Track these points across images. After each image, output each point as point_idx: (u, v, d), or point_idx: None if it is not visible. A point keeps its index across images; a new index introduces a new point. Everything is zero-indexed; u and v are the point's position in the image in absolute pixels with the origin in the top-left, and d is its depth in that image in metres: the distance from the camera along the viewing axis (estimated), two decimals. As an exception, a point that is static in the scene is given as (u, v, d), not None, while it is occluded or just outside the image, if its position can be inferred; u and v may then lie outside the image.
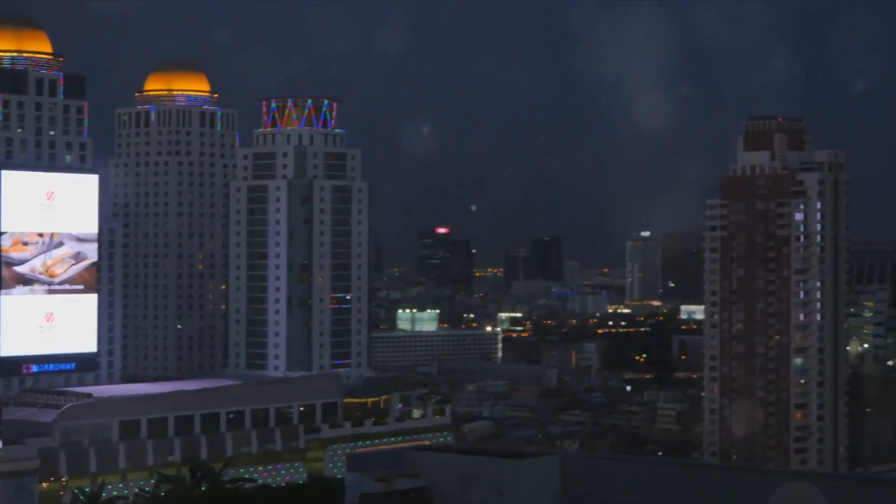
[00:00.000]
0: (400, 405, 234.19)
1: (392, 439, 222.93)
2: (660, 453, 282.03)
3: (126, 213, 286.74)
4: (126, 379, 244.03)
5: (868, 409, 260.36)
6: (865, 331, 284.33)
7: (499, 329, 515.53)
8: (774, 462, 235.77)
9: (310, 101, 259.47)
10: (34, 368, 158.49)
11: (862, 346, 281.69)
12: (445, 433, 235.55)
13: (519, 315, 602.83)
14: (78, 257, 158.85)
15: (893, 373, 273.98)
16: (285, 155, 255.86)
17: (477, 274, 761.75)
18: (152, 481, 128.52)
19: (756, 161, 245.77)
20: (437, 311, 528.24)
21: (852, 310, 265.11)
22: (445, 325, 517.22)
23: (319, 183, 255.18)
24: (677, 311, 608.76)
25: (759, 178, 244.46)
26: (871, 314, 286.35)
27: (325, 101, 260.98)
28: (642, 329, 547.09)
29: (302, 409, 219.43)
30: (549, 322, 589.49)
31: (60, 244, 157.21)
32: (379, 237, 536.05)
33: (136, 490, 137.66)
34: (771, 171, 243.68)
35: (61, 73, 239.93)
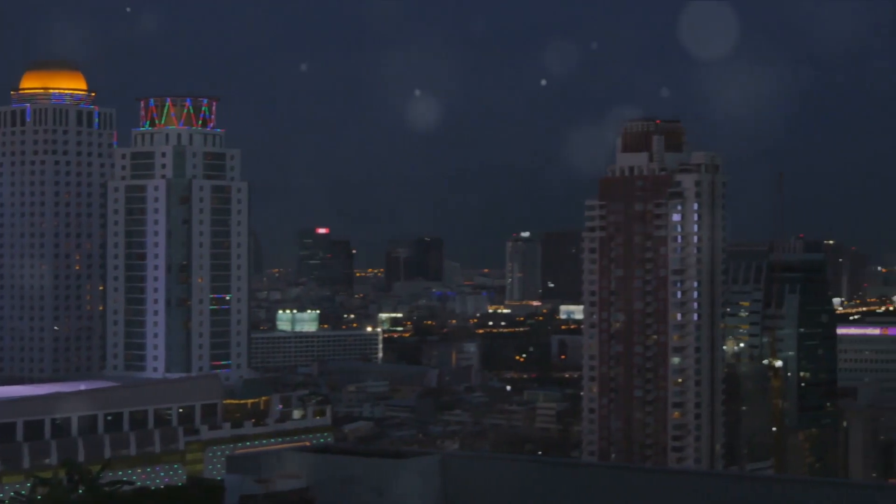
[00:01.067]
0: (280, 406, 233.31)
1: (272, 440, 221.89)
2: (539, 452, 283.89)
3: (0, 212, 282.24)
4: (1, 381, 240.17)
5: (743, 408, 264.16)
6: (741, 330, 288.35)
7: (379, 329, 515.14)
8: (652, 460, 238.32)
9: (189, 100, 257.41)
10: None
11: (737, 345, 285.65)
12: (326, 434, 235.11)
13: (399, 315, 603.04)
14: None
15: (768, 371, 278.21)
16: (164, 154, 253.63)
17: (357, 274, 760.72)
18: (28, 485, 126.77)
19: (634, 162, 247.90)
20: (318, 311, 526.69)
21: (728, 309, 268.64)
22: (326, 326, 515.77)
23: (199, 183, 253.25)
24: (557, 311, 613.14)
25: (637, 180, 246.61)
26: (747, 314, 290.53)
27: (205, 101, 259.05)
28: (522, 329, 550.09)
29: (181, 410, 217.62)
30: (430, 322, 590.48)
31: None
32: (259, 237, 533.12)
33: (12, 494, 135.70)
34: (649, 172, 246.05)
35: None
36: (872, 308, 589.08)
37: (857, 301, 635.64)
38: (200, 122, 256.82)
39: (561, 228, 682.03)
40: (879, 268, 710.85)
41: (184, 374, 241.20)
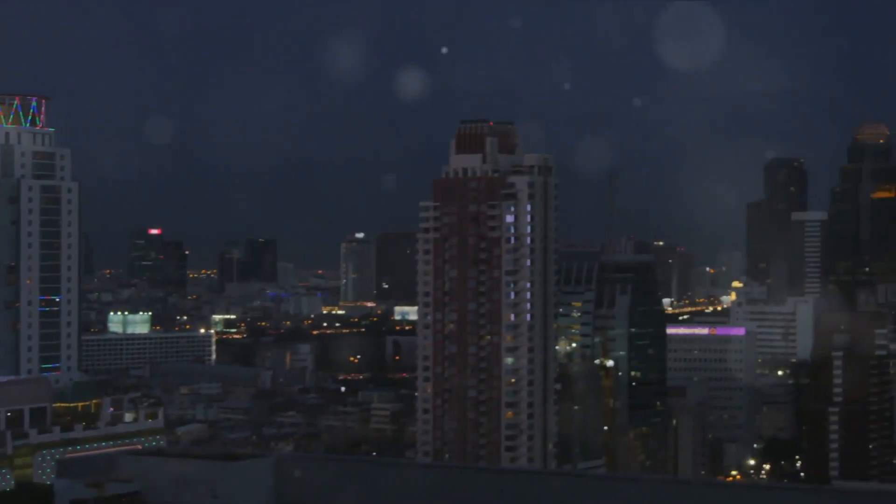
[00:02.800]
0: (111, 409, 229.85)
1: (104, 444, 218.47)
2: (374, 453, 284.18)
3: None
4: None
5: (576, 407, 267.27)
6: (573, 330, 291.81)
7: (212, 331, 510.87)
8: (486, 460, 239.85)
9: (17, 99, 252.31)
10: None
11: (570, 345, 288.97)
12: (158, 436, 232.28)
13: (233, 317, 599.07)
14: None
15: (600, 371, 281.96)
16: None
17: (190, 275, 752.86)
18: None
19: (468, 164, 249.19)
20: (150, 313, 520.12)
21: (561, 310, 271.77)
22: (158, 328, 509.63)
23: (27, 183, 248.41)
24: (391, 311, 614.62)
25: (471, 181, 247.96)
26: (579, 314, 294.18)
27: (34, 99, 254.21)
28: (357, 330, 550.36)
29: (9, 414, 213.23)
30: (264, 324, 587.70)
31: None
32: (90, 238, 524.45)
33: None
34: (482, 173, 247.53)
35: None
36: (701, 308, 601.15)
37: (687, 301, 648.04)
38: (30, 120, 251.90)
39: (396, 229, 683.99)
40: (707, 268, 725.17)
41: (12, 377, 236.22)
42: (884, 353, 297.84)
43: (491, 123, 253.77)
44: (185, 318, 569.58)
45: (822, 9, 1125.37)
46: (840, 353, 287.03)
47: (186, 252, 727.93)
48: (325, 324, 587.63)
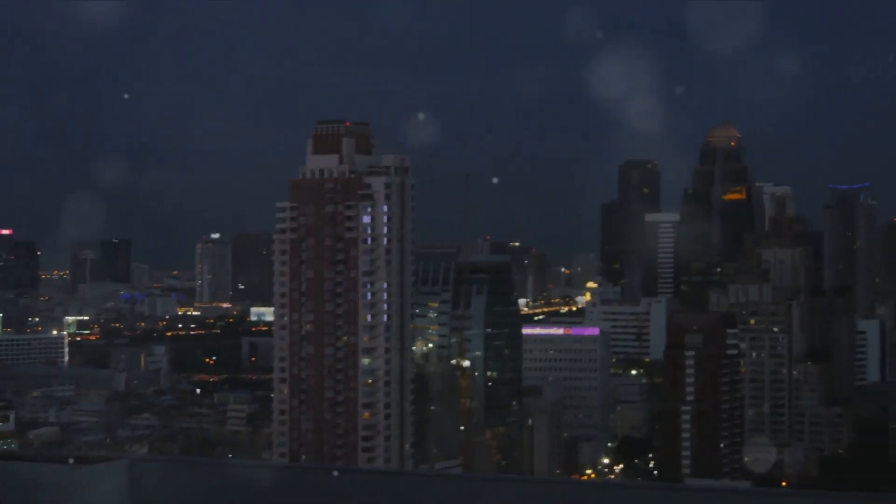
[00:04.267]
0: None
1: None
2: (230, 455, 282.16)
3: None
4: None
5: (433, 407, 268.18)
6: (430, 331, 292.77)
7: (65, 333, 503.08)
8: (342, 461, 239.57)
9: None
10: None
11: (427, 345, 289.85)
12: (9, 440, 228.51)
13: (86, 318, 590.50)
14: None
15: (456, 371, 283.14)
16: None
17: (42, 276, 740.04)
18: None
19: (325, 164, 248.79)
20: (0, 315, 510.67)
21: (418, 310, 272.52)
22: (9, 329, 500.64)
23: None
24: (248, 312, 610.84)
25: (328, 182, 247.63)
26: (436, 314, 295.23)
27: None
28: (213, 331, 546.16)
29: None
30: (118, 325, 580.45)
31: None
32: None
33: None
34: (339, 174, 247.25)
35: None
36: (556, 308, 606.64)
37: (542, 302, 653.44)
38: None
39: (252, 230, 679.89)
40: (563, 269, 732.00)
41: None
42: (735, 352, 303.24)
43: (348, 124, 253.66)
44: (36, 319, 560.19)
45: (677, 9, 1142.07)
46: (692, 353, 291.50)
47: (38, 253, 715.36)
48: (180, 325, 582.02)
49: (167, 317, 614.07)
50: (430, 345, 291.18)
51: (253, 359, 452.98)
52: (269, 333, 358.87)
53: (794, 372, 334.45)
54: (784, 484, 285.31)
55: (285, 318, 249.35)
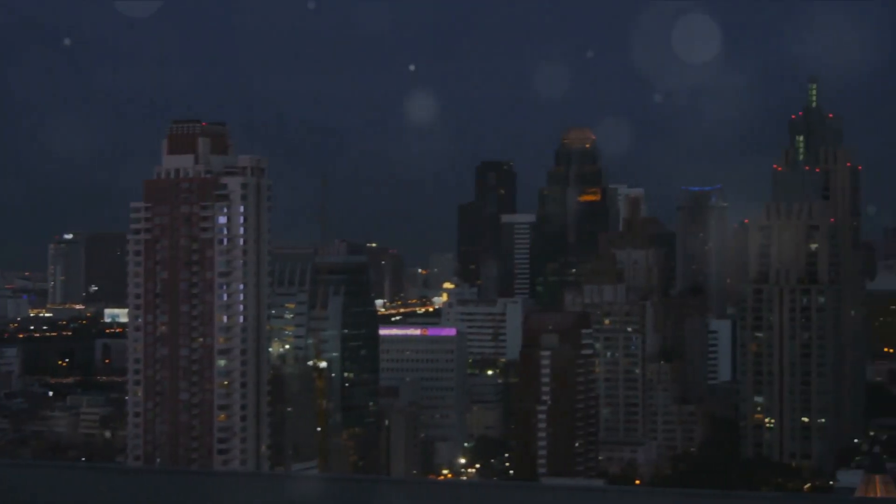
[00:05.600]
0: None
1: None
2: (83, 458, 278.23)
3: None
4: None
5: (289, 409, 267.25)
6: (287, 332, 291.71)
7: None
8: (198, 463, 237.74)
9: None
10: None
11: (283, 346, 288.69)
12: None
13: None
14: None
15: (313, 372, 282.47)
16: None
17: None
18: None
19: (180, 164, 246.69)
20: None
21: (274, 311, 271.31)
22: None
23: None
24: (101, 314, 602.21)
25: (183, 182, 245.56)
26: (292, 315, 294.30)
27: None
28: (65, 333, 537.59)
29: None
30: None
31: None
32: None
33: None
34: (195, 174, 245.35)
35: None
36: (413, 309, 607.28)
37: (399, 302, 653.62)
38: None
39: (106, 230, 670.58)
40: (420, 270, 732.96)
41: None
42: (590, 352, 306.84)
43: (203, 124, 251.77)
44: None
45: (543, 12, 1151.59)
46: (547, 353, 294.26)
47: None
48: (32, 327, 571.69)
49: (18, 318, 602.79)
50: (287, 346, 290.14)
51: (107, 361, 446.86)
52: (123, 335, 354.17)
53: (648, 371, 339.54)
54: (637, 482, 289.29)
55: (139, 320, 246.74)
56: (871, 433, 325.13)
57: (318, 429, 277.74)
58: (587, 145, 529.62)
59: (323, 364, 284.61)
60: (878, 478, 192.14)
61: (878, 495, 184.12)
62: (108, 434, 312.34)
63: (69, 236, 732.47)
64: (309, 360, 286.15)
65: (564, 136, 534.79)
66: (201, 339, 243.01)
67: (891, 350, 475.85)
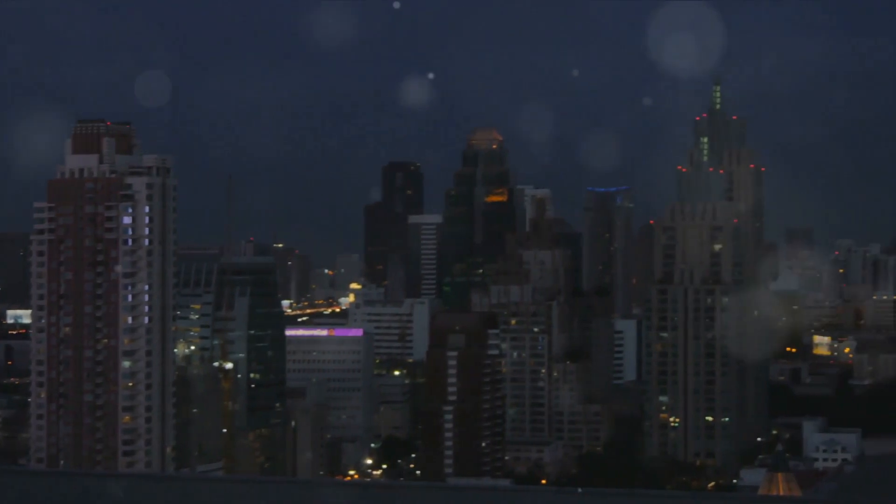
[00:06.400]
0: None
1: None
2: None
3: None
4: None
5: (195, 410, 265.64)
6: (193, 333, 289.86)
7: None
8: (103, 465, 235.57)
9: None
10: None
11: (189, 347, 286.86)
12: None
13: None
14: None
15: (219, 373, 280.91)
16: None
17: None
18: None
19: (84, 164, 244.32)
20: None
21: (179, 312, 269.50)
22: None
23: None
24: (3, 315, 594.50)
25: (88, 182, 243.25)
26: (198, 316, 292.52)
27: None
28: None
29: None
30: None
31: None
32: None
33: None
34: (99, 174, 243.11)
35: None
36: (320, 310, 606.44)
37: (306, 303, 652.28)
38: None
39: (7, 230, 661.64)
40: (326, 270, 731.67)
41: None
42: (496, 352, 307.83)
43: (108, 123, 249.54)
44: None
45: (453, 12, 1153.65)
46: (454, 354, 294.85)
47: None
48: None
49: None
50: (193, 347, 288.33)
51: (9, 362, 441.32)
52: (26, 336, 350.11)
53: (554, 371, 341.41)
54: (544, 482, 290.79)
55: (43, 321, 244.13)
56: (774, 432, 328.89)
57: (224, 430, 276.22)
58: (494, 146, 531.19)
59: (229, 365, 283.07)
60: (780, 476, 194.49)
61: (781, 493, 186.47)
62: (9, 436, 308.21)
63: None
64: (215, 362, 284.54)
65: (471, 136, 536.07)
66: (106, 341, 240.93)
67: (793, 350, 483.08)
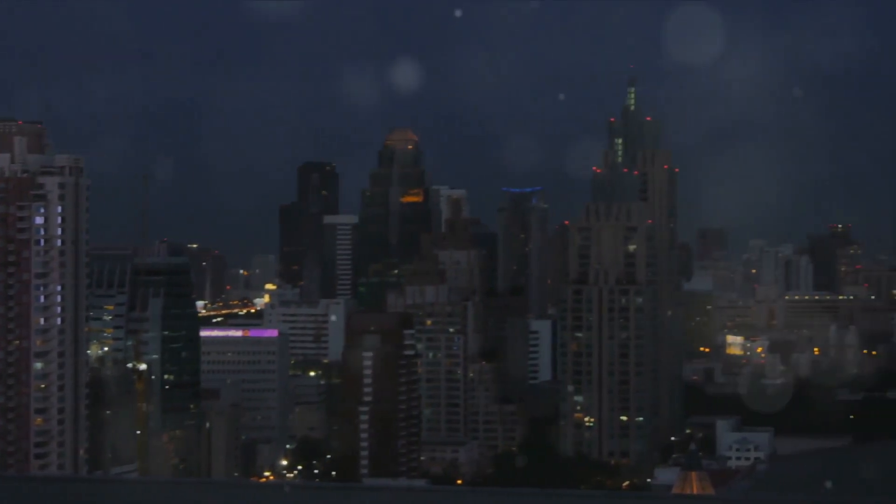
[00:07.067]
0: None
1: None
2: None
3: None
4: None
5: (108, 412, 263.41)
6: (106, 334, 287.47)
7: None
8: (15, 468, 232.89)
9: None
10: None
11: (102, 348, 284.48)
12: None
13: None
14: None
15: (133, 374, 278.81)
16: None
17: None
18: None
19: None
20: None
21: (92, 313, 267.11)
22: None
23: None
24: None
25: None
26: (112, 317, 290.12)
27: None
28: None
29: None
30: None
31: None
32: None
33: None
34: (11, 173, 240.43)
35: None
36: (235, 311, 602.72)
37: (221, 304, 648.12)
38: None
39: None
40: (241, 271, 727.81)
41: None
42: (412, 352, 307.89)
43: (20, 122, 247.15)
44: None
45: (367, 15, 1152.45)
46: (370, 354, 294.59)
47: None
48: None
49: None
50: (106, 348, 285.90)
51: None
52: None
53: (469, 371, 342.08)
54: (459, 482, 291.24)
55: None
56: (688, 431, 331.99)
57: (138, 431, 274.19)
58: (410, 146, 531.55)
59: (143, 366, 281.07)
60: (694, 475, 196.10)
61: (695, 492, 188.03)
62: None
63: None
64: (128, 363, 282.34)
65: (388, 137, 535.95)
66: (17, 342, 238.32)
67: (706, 349, 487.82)
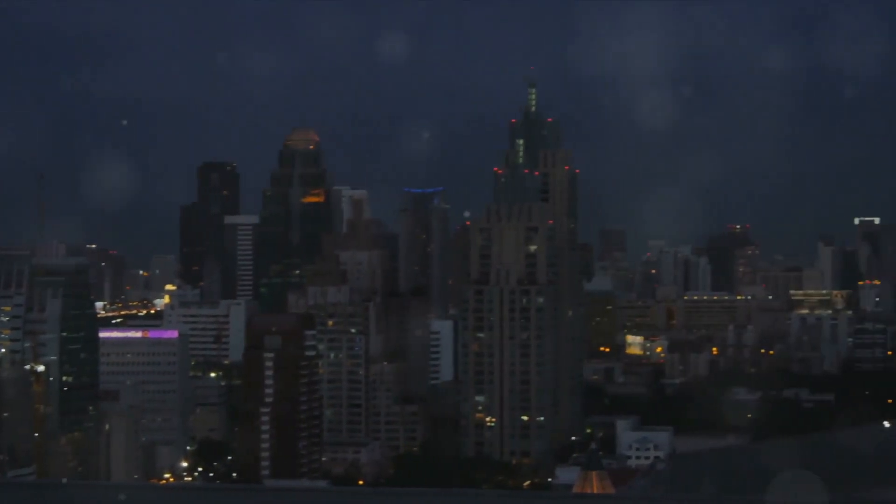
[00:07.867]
0: None
1: None
2: None
3: None
4: None
5: (5, 414, 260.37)
6: (3, 335, 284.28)
7: None
8: None
9: None
10: None
11: (0, 350, 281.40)
12: None
13: None
14: None
15: (30, 376, 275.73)
16: None
17: None
18: None
19: None
20: None
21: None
22: None
23: None
24: None
25: None
26: (9, 318, 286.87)
27: None
28: None
29: None
30: None
31: None
32: None
33: None
34: None
35: None
36: (134, 311, 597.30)
37: (120, 305, 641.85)
38: None
39: None
40: (141, 271, 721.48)
41: None
42: (313, 353, 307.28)
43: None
44: None
45: (268, 13, 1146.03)
46: (271, 355, 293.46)
47: None
48: None
49: None
50: (3, 349, 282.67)
51: None
52: None
53: (371, 372, 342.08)
54: (361, 482, 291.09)
55: None
56: (589, 430, 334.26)
57: (36, 434, 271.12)
58: (311, 146, 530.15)
59: (41, 368, 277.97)
60: (594, 474, 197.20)
61: (595, 491, 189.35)
62: None
63: None
64: (26, 364, 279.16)
65: (288, 137, 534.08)
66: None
67: (607, 349, 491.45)
